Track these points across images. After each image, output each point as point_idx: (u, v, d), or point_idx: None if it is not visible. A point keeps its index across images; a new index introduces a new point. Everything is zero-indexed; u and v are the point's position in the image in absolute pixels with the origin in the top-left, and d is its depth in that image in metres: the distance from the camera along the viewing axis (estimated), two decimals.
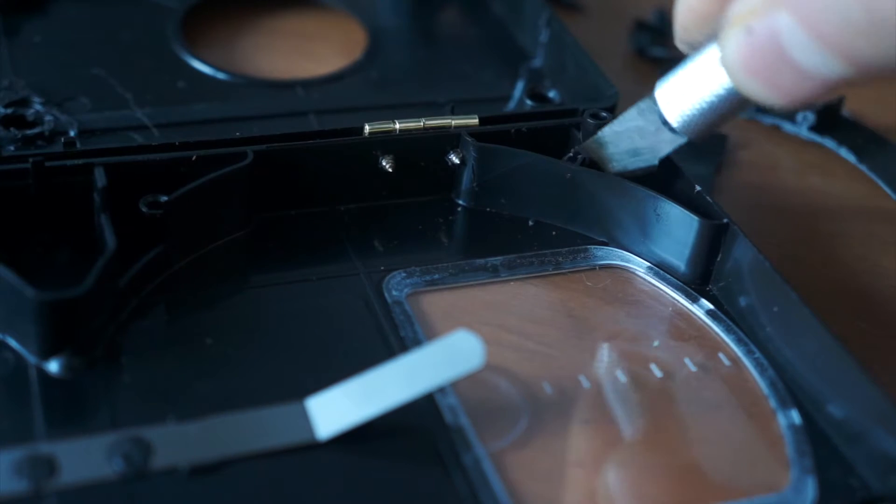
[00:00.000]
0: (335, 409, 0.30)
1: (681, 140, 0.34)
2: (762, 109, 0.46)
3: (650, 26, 0.50)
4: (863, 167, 0.44)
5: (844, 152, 0.44)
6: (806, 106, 0.29)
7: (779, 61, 0.27)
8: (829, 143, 0.44)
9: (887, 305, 0.38)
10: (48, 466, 0.28)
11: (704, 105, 0.32)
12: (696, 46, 0.32)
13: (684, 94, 0.32)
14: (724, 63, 0.29)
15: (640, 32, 0.50)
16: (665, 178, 0.37)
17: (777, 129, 0.46)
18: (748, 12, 0.27)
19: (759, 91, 0.28)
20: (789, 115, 0.46)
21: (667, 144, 0.34)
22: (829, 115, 0.45)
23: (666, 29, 0.51)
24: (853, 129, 0.45)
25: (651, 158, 0.35)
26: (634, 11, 0.51)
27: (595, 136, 0.36)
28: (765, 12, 0.27)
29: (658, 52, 0.49)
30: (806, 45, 0.26)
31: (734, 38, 0.28)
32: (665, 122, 0.33)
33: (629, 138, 0.35)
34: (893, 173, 0.43)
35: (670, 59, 0.48)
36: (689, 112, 0.33)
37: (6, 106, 0.38)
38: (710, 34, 0.31)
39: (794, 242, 0.40)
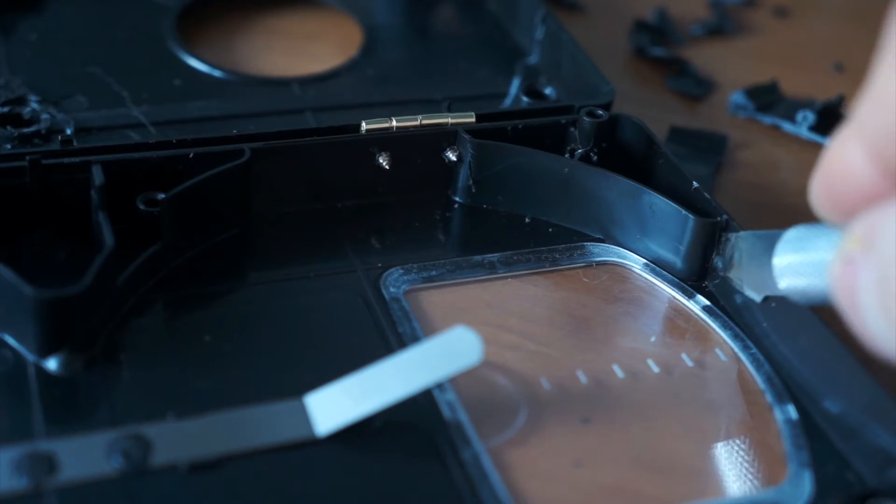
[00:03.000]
0: (334, 406, 0.30)
1: (781, 294, 0.31)
2: (760, 108, 0.46)
3: (650, 26, 0.51)
4: None
5: None
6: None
7: (853, 305, 0.24)
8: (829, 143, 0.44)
9: None
10: (48, 464, 0.28)
11: (814, 289, 0.29)
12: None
13: (801, 267, 0.29)
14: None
15: (640, 32, 0.50)
16: (662, 174, 0.37)
17: (777, 129, 0.46)
18: (854, 239, 0.24)
19: (841, 310, 0.25)
20: (789, 115, 0.46)
21: (770, 287, 0.32)
22: (829, 115, 0.45)
23: (665, 29, 0.51)
24: None
25: (755, 292, 0.33)
26: (634, 11, 0.51)
27: (741, 234, 0.34)
28: (854, 257, 0.23)
29: (658, 52, 0.49)
30: (875, 311, 0.23)
31: (836, 259, 0.24)
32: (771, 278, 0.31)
33: (754, 257, 0.33)
34: None
35: (670, 59, 0.49)
36: (795, 281, 0.30)
37: (2, 104, 0.38)
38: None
39: None
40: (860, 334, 0.24)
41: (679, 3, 0.53)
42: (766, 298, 0.33)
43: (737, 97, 0.47)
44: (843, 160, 0.24)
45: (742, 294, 0.34)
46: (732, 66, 0.49)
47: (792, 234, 0.30)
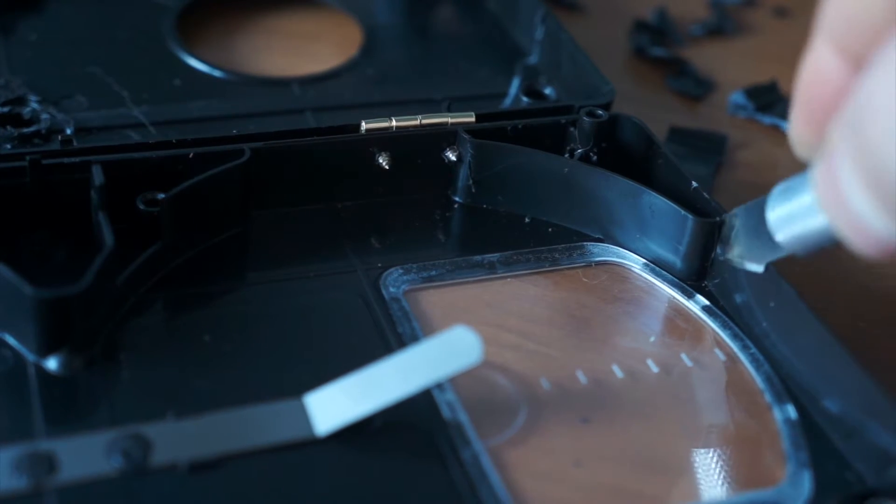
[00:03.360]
0: (333, 406, 0.30)
1: (783, 252, 0.31)
2: (760, 108, 0.46)
3: (650, 26, 0.51)
4: None
5: None
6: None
7: (841, 205, 0.25)
8: None
9: (886, 305, 0.38)
10: (48, 464, 0.28)
11: (809, 228, 0.29)
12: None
13: (792, 212, 0.30)
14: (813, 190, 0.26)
15: (640, 32, 0.50)
16: (662, 174, 0.37)
17: (777, 129, 0.46)
18: (829, 142, 0.25)
19: (835, 228, 0.26)
20: (789, 115, 0.46)
21: (769, 251, 0.32)
22: None
23: (665, 29, 0.51)
24: None
25: (756, 263, 0.33)
26: (634, 11, 0.51)
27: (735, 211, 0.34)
28: (833, 149, 0.24)
29: (658, 52, 0.49)
30: (861, 195, 0.24)
31: (817, 167, 0.26)
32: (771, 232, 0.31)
33: (749, 228, 0.33)
34: None
35: (670, 59, 0.49)
36: (792, 229, 0.30)
37: (2, 104, 0.38)
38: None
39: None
40: (857, 238, 0.25)
41: (679, 3, 0.53)
42: (768, 267, 0.33)
43: (737, 97, 0.47)
44: (817, 64, 0.25)
45: (745, 284, 0.34)
46: (732, 66, 0.49)
47: (779, 188, 0.30)
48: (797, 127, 0.27)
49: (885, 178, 0.23)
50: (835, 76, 0.25)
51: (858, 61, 0.25)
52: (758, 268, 0.33)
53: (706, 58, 0.50)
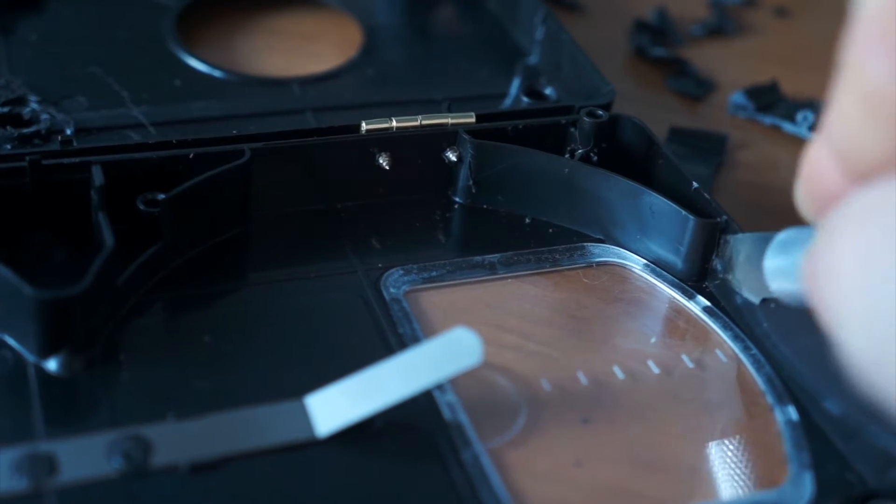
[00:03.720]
0: (334, 407, 0.30)
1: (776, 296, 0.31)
2: (760, 109, 0.46)
3: (650, 26, 0.50)
4: None
5: None
6: None
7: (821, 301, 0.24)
8: None
9: None
10: (48, 465, 0.28)
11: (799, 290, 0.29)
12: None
13: (786, 268, 0.29)
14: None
15: (640, 32, 0.50)
16: (662, 175, 0.37)
17: (777, 129, 0.46)
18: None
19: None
20: (789, 115, 0.46)
21: (766, 289, 0.31)
22: None
23: (666, 29, 0.51)
24: None
25: (753, 294, 0.33)
26: (634, 11, 0.51)
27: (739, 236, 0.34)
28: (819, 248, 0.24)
29: (658, 52, 0.49)
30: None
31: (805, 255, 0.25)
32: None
33: (752, 260, 0.33)
34: None
35: (670, 59, 0.49)
36: (784, 284, 0.29)
37: (2, 104, 0.38)
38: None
39: None
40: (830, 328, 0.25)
41: (679, 3, 0.53)
42: (764, 301, 0.33)
43: (737, 97, 0.47)
44: (816, 164, 0.25)
45: (741, 296, 0.34)
46: (732, 66, 0.49)
47: (781, 237, 0.30)
48: (800, 196, 0.27)
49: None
50: (832, 179, 0.25)
51: (856, 176, 0.24)
52: (754, 299, 0.33)
53: (706, 58, 0.50)
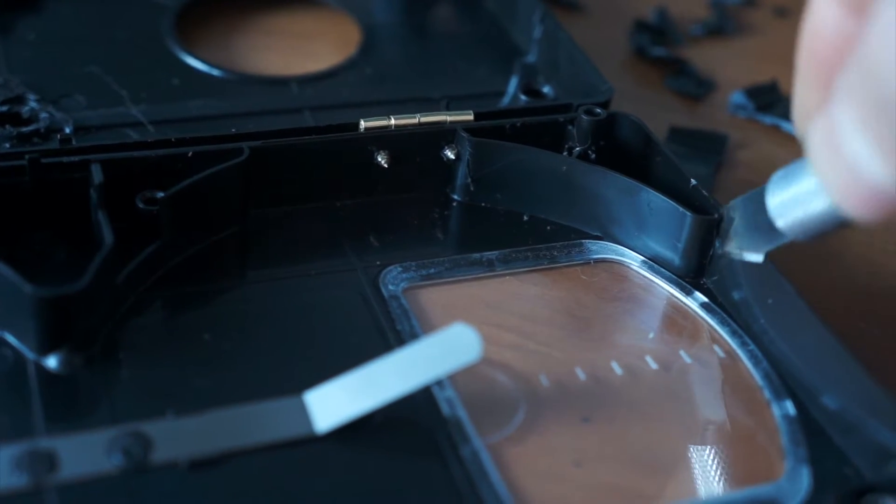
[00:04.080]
0: (333, 403, 0.30)
1: (783, 239, 0.31)
2: (760, 108, 0.46)
3: (650, 26, 0.51)
4: None
5: None
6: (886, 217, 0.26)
7: (839, 157, 0.25)
8: None
9: (887, 305, 0.38)
10: (48, 461, 0.28)
11: (811, 211, 0.29)
12: None
13: (793, 196, 0.30)
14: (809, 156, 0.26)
15: (640, 32, 0.50)
16: (660, 172, 0.37)
17: (777, 129, 0.46)
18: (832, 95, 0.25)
19: (830, 191, 0.26)
20: (789, 115, 0.46)
21: (769, 239, 0.32)
22: None
23: (666, 29, 0.51)
24: None
25: (755, 253, 0.33)
26: (634, 11, 0.51)
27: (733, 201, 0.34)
28: (834, 99, 0.25)
29: (658, 52, 0.49)
30: (860, 139, 0.24)
31: (815, 123, 0.26)
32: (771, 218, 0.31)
33: (748, 218, 0.33)
34: None
35: (670, 59, 0.49)
36: (793, 213, 0.30)
37: (1, 103, 0.38)
38: None
39: (792, 242, 0.40)
40: (854, 194, 0.25)
41: (679, 3, 0.53)
42: (767, 264, 0.33)
43: (737, 97, 0.47)
44: (819, 20, 0.26)
45: (743, 281, 0.34)
46: (732, 66, 0.49)
47: (778, 174, 0.31)
48: (802, 94, 0.28)
49: (885, 115, 0.23)
50: (837, 27, 0.26)
51: (860, 7, 0.25)
52: (757, 258, 0.33)
53: (706, 58, 0.50)
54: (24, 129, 0.37)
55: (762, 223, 0.31)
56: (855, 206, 0.25)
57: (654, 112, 0.45)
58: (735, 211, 0.34)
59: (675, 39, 0.51)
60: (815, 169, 0.26)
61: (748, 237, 0.33)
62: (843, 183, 0.25)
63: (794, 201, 0.30)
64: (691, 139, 0.44)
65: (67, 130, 0.37)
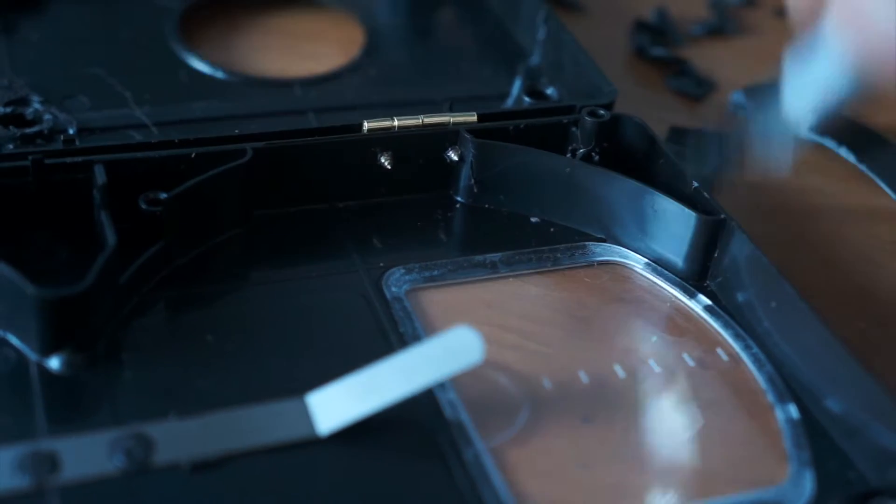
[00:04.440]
0: (336, 405, 0.30)
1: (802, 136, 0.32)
2: None
3: (650, 26, 0.51)
4: (863, 167, 0.44)
5: (844, 152, 0.44)
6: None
7: (859, 18, 0.26)
8: (829, 143, 0.44)
9: (887, 305, 0.38)
10: (50, 463, 0.28)
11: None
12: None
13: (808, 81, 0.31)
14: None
15: (640, 32, 0.50)
16: (663, 175, 0.37)
17: None
18: None
19: (850, 49, 0.27)
20: None
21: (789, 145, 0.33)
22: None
23: (666, 29, 0.51)
24: (853, 129, 0.45)
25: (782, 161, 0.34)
26: (634, 11, 0.51)
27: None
28: None
29: (658, 52, 0.49)
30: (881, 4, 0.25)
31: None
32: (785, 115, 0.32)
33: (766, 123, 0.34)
34: (893, 173, 0.43)
35: (670, 59, 0.49)
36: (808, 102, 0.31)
37: (5, 105, 0.38)
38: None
39: (793, 242, 0.40)
40: (876, 54, 0.26)
41: (679, 3, 0.53)
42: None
43: (737, 97, 0.47)
44: None
45: (747, 284, 0.34)
46: (732, 66, 0.49)
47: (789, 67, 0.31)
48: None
49: None
50: None
51: None
52: (802, 128, 0.33)
53: (706, 58, 0.50)
54: (28, 131, 0.37)
55: (779, 117, 0.31)
56: (874, 66, 0.26)
57: (654, 112, 0.44)
58: (752, 124, 0.34)
59: (675, 39, 0.51)
60: (835, 34, 0.27)
61: (770, 137, 0.33)
62: (864, 42, 0.26)
63: (810, 84, 0.30)
64: (691, 139, 0.44)
65: (71, 132, 0.37)
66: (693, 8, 0.53)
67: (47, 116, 0.38)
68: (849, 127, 0.45)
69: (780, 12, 0.54)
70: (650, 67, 0.49)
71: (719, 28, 0.52)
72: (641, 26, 0.50)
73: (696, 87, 0.48)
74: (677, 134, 0.44)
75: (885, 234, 0.41)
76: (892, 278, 0.39)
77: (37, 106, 0.38)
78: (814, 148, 0.45)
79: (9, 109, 0.38)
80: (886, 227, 0.41)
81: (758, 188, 0.42)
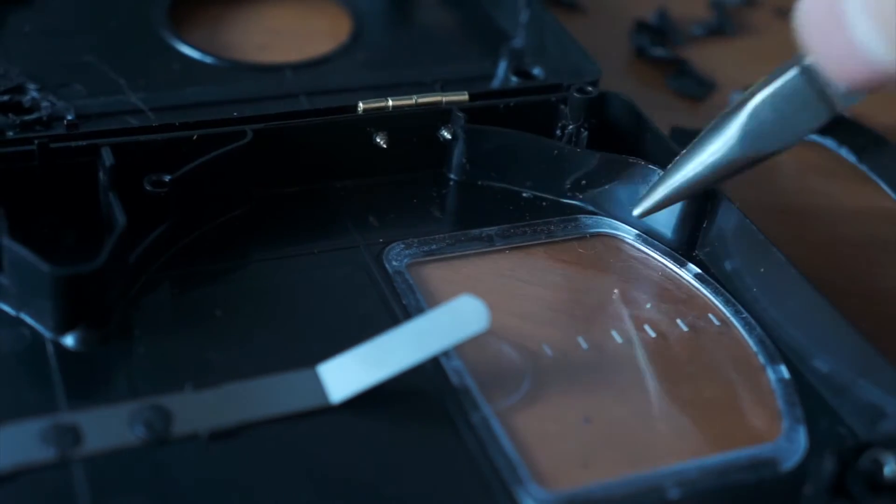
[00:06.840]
0: (346, 374, 0.31)
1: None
2: None
3: (650, 26, 0.51)
4: (863, 167, 0.43)
5: (844, 152, 0.43)
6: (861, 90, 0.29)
7: (840, 37, 0.27)
8: (829, 143, 0.43)
9: (887, 305, 0.38)
10: (73, 435, 0.28)
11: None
12: None
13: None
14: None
15: (640, 32, 0.50)
16: (651, 148, 0.38)
17: None
18: None
19: (815, 56, 0.28)
20: None
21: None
22: None
23: (666, 29, 0.51)
24: (853, 129, 0.43)
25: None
26: (634, 11, 0.51)
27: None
28: None
29: (658, 52, 0.49)
30: (867, 27, 0.26)
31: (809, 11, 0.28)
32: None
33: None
34: (894, 173, 0.43)
35: (670, 60, 0.49)
36: None
37: (2, 93, 0.38)
38: None
39: (794, 242, 0.39)
40: (856, 70, 0.27)
41: (679, 3, 0.53)
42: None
43: (737, 97, 0.47)
44: None
45: (735, 252, 0.35)
46: (732, 66, 0.49)
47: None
48: None
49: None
50: None
51: None
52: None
53: (706, 58, 0.50)
54: (27, 118, 0.37)
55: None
56: (852, 83, 0.28)
57: (655, 112, 0.44)
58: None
59: (675, 40, 0.51)
60: (812, 48, 0.29)
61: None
62: (842, 61, 0.27)
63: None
64: (692, 139, 0.45)
65: (70, 118, 0.38)
66: (693, 8, 0.53)
67: (45, 104, 0.38)
68: (849, 127, 0.44)
69: (781, 12, 0.54)
70: (650, 67, 0.49)
71: (719, 28, 0.52)
72: (642, 26, 0.51)
73: (697, 87, 0.48)
74: (680, 135, 0.45)
75: (885, 234, 0.41)
76: (892, 278, 0.40)
77: (34, 94, 0.39)
78: (814, 148, 0.45)
79: (6, 98, 0.38)
80: (886, 227, 0.42)
81: (758, 189, 0.43)
